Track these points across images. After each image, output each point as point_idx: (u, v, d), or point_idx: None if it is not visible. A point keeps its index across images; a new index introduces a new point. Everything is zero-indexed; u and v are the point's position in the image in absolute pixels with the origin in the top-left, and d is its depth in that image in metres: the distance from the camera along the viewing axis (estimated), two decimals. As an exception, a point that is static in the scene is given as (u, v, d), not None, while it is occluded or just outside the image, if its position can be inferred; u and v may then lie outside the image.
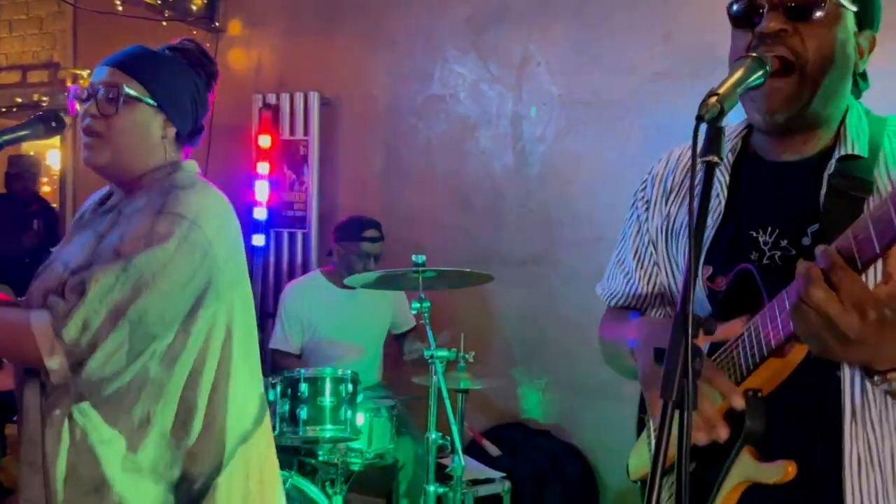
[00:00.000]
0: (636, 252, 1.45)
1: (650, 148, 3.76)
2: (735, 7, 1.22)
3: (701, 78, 3.59)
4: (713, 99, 1.01)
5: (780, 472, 1.13)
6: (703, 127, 1.01)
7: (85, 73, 5.12)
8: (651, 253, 1.43)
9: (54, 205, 5.85)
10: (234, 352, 1.71)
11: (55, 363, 1.52)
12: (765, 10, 1.17)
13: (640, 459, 1.45)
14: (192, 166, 1.78)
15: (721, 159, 0.99)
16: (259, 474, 1.75)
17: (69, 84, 5.17)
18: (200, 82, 1.78)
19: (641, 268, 1.45)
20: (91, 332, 1.53)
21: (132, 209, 1.66)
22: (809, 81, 1.17)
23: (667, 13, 3.77)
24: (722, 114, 1.01)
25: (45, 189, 7.05)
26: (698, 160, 0.98)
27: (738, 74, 1.08)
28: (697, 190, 0.97)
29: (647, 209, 1.43)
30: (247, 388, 1.75)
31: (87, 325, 1.53)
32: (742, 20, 1.21)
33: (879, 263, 1.02)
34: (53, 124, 1.69)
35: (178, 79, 1.74)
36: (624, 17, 3.87)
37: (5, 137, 1.68)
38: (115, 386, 1.60)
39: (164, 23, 4.64)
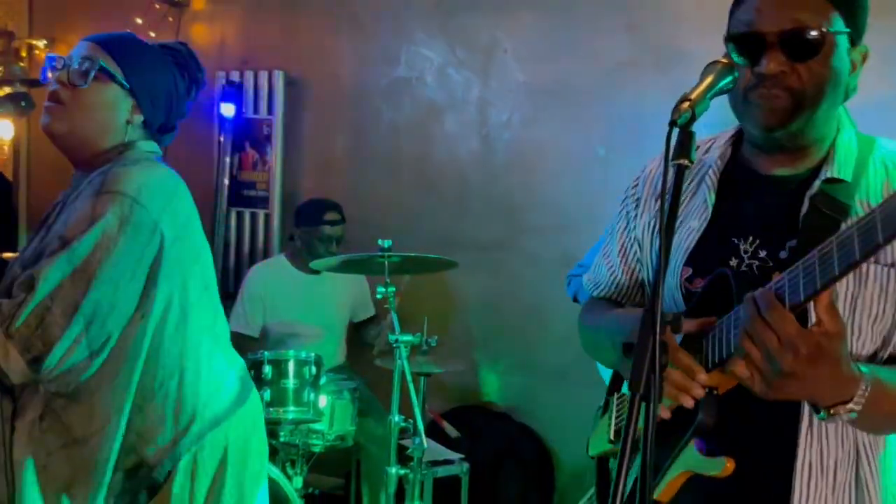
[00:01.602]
0: (622, 247, 1.49)
1: (613, 137, 3.81)
2: (736, 34, 1.23)
3: (664, 68, 3.65)
4: (685, 104, 1.05)
5: (720, 466, 1.18)
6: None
7: (41, 43, 4.99)
8: (636, 250, 1.47)
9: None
10: (195, 333, 1.69)
11: (11, 365, 1.49)
12: (764, 49, 1.19)
13: (600, 438, 1.51)
14: (148, 146, 1.74)
15: (691, 162, 1.04)
16: (240, 458, 1.73)
17: (24, 54, 5.04)
18: (181, 83, 1.76)
19: (625, 263, 1.49)
20: (45, 328, 1.50)
21: (74, 195, 1.63)
22: (807, 108, 1.21)
23: (632, 4, 3.81)
24: (693, 119, 1.06)
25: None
26: (670, 163, 1.02)
27: (708, 80, 1.12)
28: (668, 191, 1.01)
29: (637, 206, 1.46)
30: (217, 371, 1.73)
31: (40, 321, 1.50)
32: (740, 49, 1.22)
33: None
34: (23, 104, 1.67)
35: (158, 70, 1.73)
36: (590, 6, 3.90)
37: None
38: (81, 380, 1.58)
39: (126, -5, 4.54)
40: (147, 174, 1.63)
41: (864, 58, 1.28)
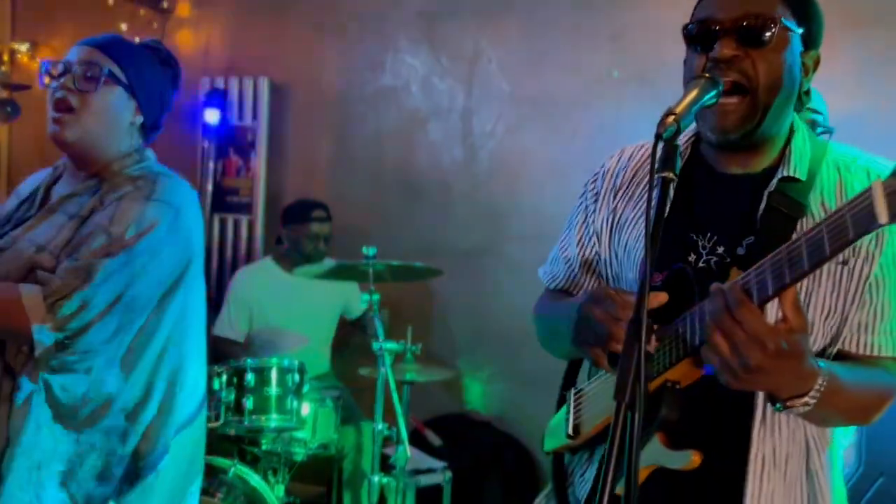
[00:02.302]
0: (580, 240, 1.52)
1: (595, 146, 3.84)
2: (690, 28, 1.29)
3: (645, 79, 3.69)
4: (670, 118, 1.08)
5: (686, 460, 1.21)
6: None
7: (23, 47, 4.95)
8: (594, 244, 1.49)
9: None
10: (191, 336, 1.77)
11: (42, 338, 1.54)
12: (718, 36, 1.24)
13: (556, 435, 1.52)
14: (152, 154, 1.82)
15: (675, 175, 1.06)
16: (189, 458, 1.80)
17: (5, 58, 5.00)
18: (169, 80, 1.81)
19: (583, 256, 1.51)
20: (88, 314, 1.57)
21: (117, 194, 1.68)
22: (761, 104, 1.25)
23: (614, 15, 3.86)
24: (678, 132, 1.08)
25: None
26: (655, 175, 1.04)
27: (692, 94, 1.15)
28: (654, 203, 1.03)
29: (596, 201, 1.49)
30: (198, 373, 1.81)
31: (84, 307, 1.57)
32: (696, 41, 1.27)
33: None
34: (9, 109, 1.68)
35: (152, 70, 1.77)
36: (573, 17, 3.94)
37: None
38: (87, 364, 1.63)
39: (111, 1, 4.52)
40: (185, 188, 1.75)
41: (816, 63, 1.32)
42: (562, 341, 1.44)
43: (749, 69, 1.23)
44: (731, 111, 1.24)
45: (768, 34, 1.23)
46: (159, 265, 1.65)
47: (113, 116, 1.71)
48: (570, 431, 1.44)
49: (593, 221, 1.49)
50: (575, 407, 1.47)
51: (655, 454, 1.24)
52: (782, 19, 1.24)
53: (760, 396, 1.26)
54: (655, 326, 1.19)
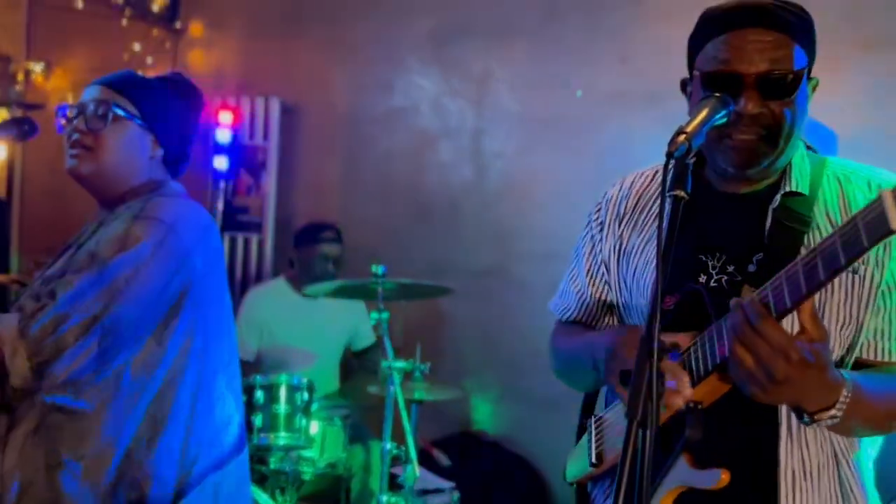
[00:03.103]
0: (589, 270, 1.53)
1: (604, 166, 3.85)
2: (712, 73, 1.27)
3: (654, 100, 3.70)
4: (682, 137, 1.09)
5: (716, 479, 1.21)
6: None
7: (38, 67, 5.01)
8: (603, 272, 1.50)
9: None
10: (211, 370, 1.68)
11: (17, 365, 1.49)
12: (741, 89, 1.24)
13: (578, 464, 1.51)
14: (176, 185, 1.79)
15: (687, 194, 1.07)
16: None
17: (20, 77, 5.05)
18: (189, 111, 1.80)
19: (593, 285, 1.52)
20: (59, 335, 1.51)
21: (112, 218, 1.66)
22: (781, 147, 1.28)
23: (624, 37, 3.88)
24: (689, 151, 1.09)
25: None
26: (667, 194, 1.05)
27: (703, 114, 1.16)
28: (665, 222, 1.04)
29: (602, 230, 1.50)
30: (225, 412, 1.72)
31: (55, 327, 1.51)
32: (715, 85, 1.26)
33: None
34: (27, 128, 1.69)
35: (168, 103, 1.76)
36: (583, 38, 3.96)
37: None
38: (84, 400, 1.57)
39: (125, 22, 4.58)
40: (185, 206, 1.68)
41: (815, 88, 1.34)
42: (581, 375, 1.45)
43: (770, 121, 1.25)
44: (752, 149, 1.26)
45: (790, 87, 1.25)
46: (145, 285, 1.55)
47: (128, 151, 1.70)
48: (594, 459, 1.44)
49: (601, 251, 1.50)
50: (596, 434, 1.46)
51: (683, 475, 1.24)
52: (798, 63, 1.26)
53: (784, 410, 1.26)
54: (668, 344, 1.19)
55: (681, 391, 1.20)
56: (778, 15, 1.26)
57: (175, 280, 1.61)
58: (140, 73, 1.83)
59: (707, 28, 1.31)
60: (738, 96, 1.24)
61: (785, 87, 1.25)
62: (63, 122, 1.72)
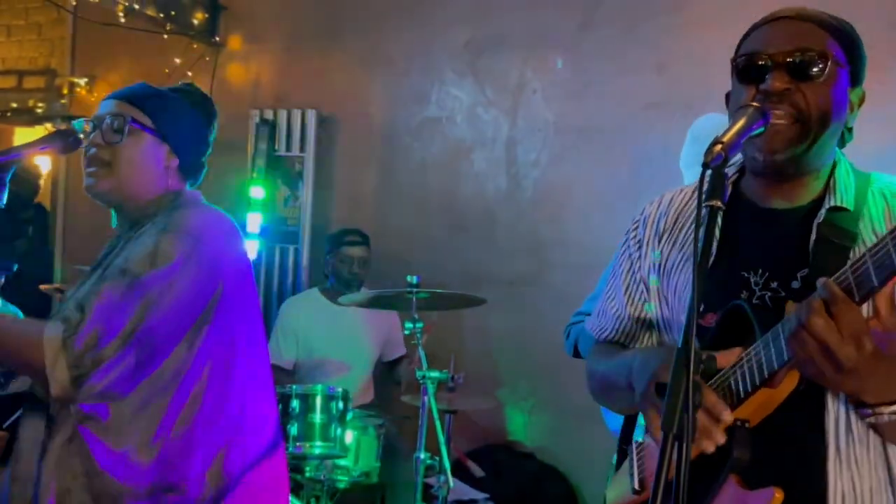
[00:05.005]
0: (627, 289, 1.50)
1: (640, 176, 3.82)
2: (740, 62, 1.28)
3: (692, 110, 3.66)
4: (718, 147, 1.08)
5: (769, 497, 1.17)
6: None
7: (82, 81, 5.13)
8: (642, 290, 1.48)
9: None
10: (242, 375, 1.70)
11: (57, 375, 1.52)
12: (769, 69, 1.24)
13: (618, 490, 1.48)
14: (196, 195, 1.81)
15: (723, 204, 1.05)
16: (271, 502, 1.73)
17: (65, 91, 5.18)
18: (202, 120, 1.82)
19: (631, 304, 1.50)
20: (99, 349, 1.53)
21: (138, 233, 1.68)
22: (811, 132, 1.24)
23: (660, 46, 3.85)
24: (725, 161, 1.07)
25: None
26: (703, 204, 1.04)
27: (740, 124, 1.15)
28: (701, 232, 1.03)
29: (640, 248, 1.48)
30: (258, 412, 1.74)
31: (96, 342, 1.53)
32: (746, 75, 1.27)
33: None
34: (71, 140, 1.72)
35: (182, 113, 1.78)
36: (619, 47, 3.94)
37: (27, 150, 1.71)
38: (120, 409, 1.59)
39: (165, 36, 4.67)
40: (209, 216, 1.71)
41: (861, 101, 1.32)
42: (618, 396, 1.43)
43: (800, 101, 1.23)
44: (782, 131, 1.23)
45: (819, 68, 1.23)
46: (178, 298, 1.59)
47: (144, 163, 1.73)
48: (636, 486, 1.42)
49: (639, 269, 1.47)
50: (638, 460, 1.44)
51: (734, 497, 1.21)
52: (833, 54, 1.24)
53: (832, 431, 1.22)
54: (704, 355, 1.18)
55: (712, 435, 1.16)
56: (814, 13, 1.27)
57: (206, 288, 1.63)
58: (154, 84, 1.84)
59: (747, 34, 1.32)
60: (765, 78, 1.23)
61: (813, 67, 1.22)
62: (81, 136, 1.74)
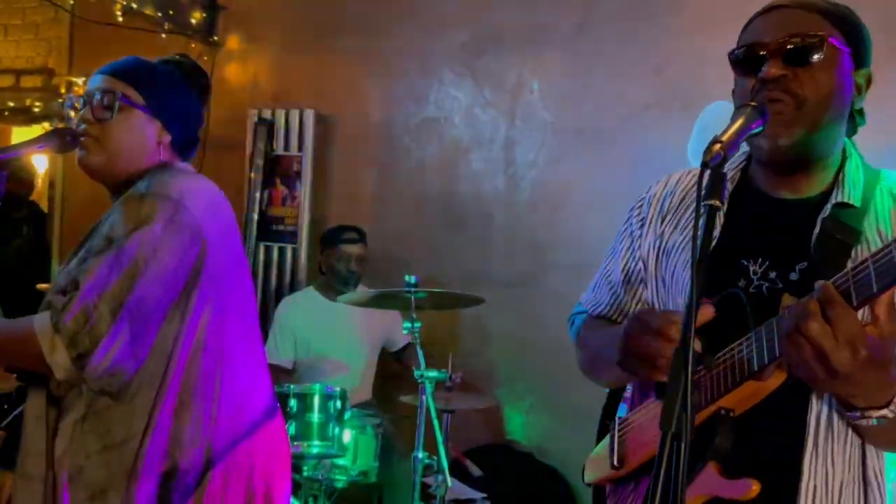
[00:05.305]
0: (625, 266, 1.50)
1: (638, 177, 3.80)
2: (737, 54, 1.29)
3: (690, 110, 3.67)
4: (717, 146, 1.08)
5: (746, 489, 1.19)
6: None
7: (80, 80, 5.11)
8: (640, 269, 1.48)
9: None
10: (232, 339, 1.69)
11: (57, 359, 1.52)
12: (766, 58, 1.24)
13: (599, 464, 1.49)
14: (185, 166, 1.79)
15: (722, 203, 1.06)
16: (265, 472, 1.71)
17: (63, 90, 5.17)
18: (194, 93, 1.80)
19: (628, 282, 1.50)
20: (91, 325, 1.52)
21: (121, 200, 1.66)
22: (810, 116, 1.23)
23: (658, 47, 3.86)
24: (724, 160, 1.08)
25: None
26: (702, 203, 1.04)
27: (739, 123, 1.15)
28: (700, 232, 1.03)
29: (642, 227, 1.48)
30: (251, 379, 1.73)
31: (86, 318, 1.52)
32: (744, 66, 1.27)
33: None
34: (69, 139, 1.72)
35: (173, 88, 1.76)
36: (616, 48, 3.95)
37: (24, 149, 1.71)
38: (122, 381, 1.59)
39: (164, 35, 4.67)
40: (190, 181, 1.69)
41: (869, 82, 1.30)
42: (606, 369, 1.43)
43: (797, 88, 1.22)
44: (783, 113, 1.22)
45: (815, 53, 1.22)
46: (163, 263, 1.57)
47: (135, 139, 1.71)
48: (615, 462, 1.42)
49: (639, 247, 1.47)
50: (620, 436, 1.45)
51: (711, 484, 1.22)
52: (829, 38, 1.23)
53: (812, 426, 1.23)
54: (703, 355, 1.18)
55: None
56: (809, 1, 1.26)
57: (189, 254, 1.62)
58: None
59: (745, 26, 1.32)
60: (761, 67, 1.23)
61: (808, 52, 1.22)
62: (72, 113, 1.74)
